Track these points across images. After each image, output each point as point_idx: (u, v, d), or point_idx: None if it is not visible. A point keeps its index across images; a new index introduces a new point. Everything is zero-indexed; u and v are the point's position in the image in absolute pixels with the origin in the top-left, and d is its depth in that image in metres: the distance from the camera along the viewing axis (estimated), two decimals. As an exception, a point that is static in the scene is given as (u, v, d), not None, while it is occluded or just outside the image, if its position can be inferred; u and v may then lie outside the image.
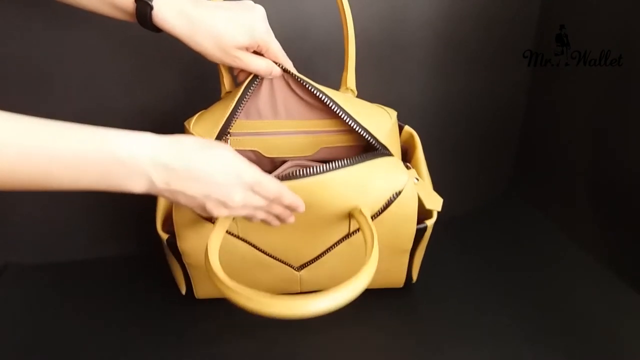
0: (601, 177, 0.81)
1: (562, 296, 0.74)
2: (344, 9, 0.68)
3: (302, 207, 0.58)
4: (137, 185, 0.49)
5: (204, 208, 0.53)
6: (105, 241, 0.85)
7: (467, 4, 0.87)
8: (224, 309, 0.66)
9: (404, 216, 0.64)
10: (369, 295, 0.70)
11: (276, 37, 0.66)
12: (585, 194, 0.84)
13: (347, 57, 0.70)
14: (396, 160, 0.65)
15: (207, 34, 0.59)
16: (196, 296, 0.72)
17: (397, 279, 0.73)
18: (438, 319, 0.70)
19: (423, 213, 0.65)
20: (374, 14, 0.84)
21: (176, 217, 0.63)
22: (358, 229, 0.64)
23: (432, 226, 0.67)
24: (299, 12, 0.83)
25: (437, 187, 0.73)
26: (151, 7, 0.58)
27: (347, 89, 0.70)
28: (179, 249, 0.64)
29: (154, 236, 0.81)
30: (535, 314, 0.70)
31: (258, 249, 0.65)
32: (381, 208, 0.63)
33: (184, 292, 0.72)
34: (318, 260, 0.67)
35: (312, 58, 0.84)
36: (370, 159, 0.62)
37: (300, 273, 0.67)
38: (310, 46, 0.84)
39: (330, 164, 0.59)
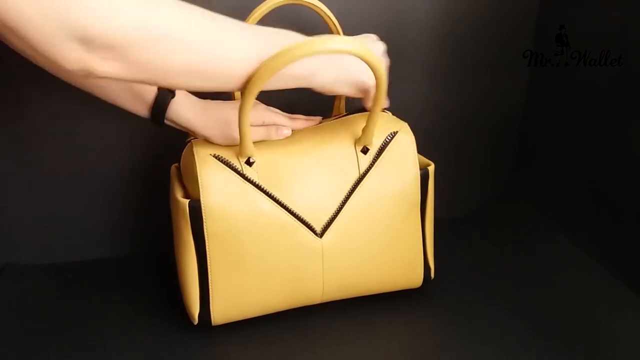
0: (601, 177, 0.81)
1: (561, 296, 0.74)
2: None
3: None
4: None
5: None
6: (105, 242, 0.85)
7: (467, 4, 0.87)
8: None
9: (404, 155, 0.69)
10: (378, 300, 0.72)
11: None
12: (584, 194, 0.84)
13: None
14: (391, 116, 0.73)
15: (216, 120, 0.68)
16: (213, 322, 0.67)
17: (415, 264, 0.72)
18: (439, 322, 0.71)
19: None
20: (373, 16, 0.84)
21: (200, 169, 0.63)
22: (368, 170, 0.68)
23: (433, 173, 0.71)
24: (295, 14, 0.82)
25: (437, 188, 0.73)
26: (173, 95, 0.67)
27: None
28: (203, 208, 0.63)
29: (156, 237, 0.82)
30: (534, 314, 0.70)
31: (279, 203, 0.65)
32: (381, 146, 0.69)
33: (196, 315, 0.67)
34: (337, 221, 0.67)
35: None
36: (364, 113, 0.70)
37: (322, 240, 0.66)
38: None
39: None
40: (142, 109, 0.69)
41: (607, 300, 0.73)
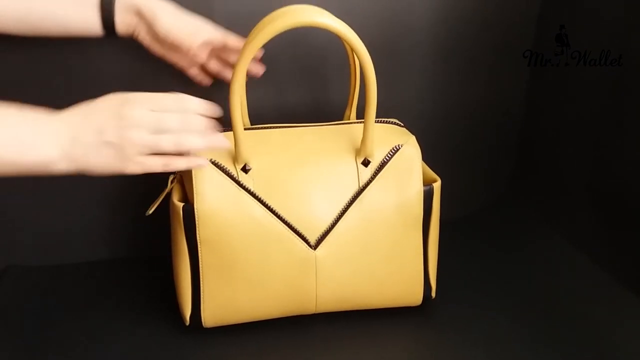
0: (601, 177, 0.81)
1: (562, 300, 0.74)
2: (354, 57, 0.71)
3: (213, 106, 0.60)
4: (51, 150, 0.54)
5: (119, 147, 0.55)
6: (105, 244, 0.85)
7: (466, 5, 0.87)
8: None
9: (408, 170, 0.67)
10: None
11: (277, 40, 0.69)
12: (584, 195, 0.84)
13: (352, 96, 0.74)
14: (400, 128, 0.71)
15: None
16: (204, 324, 0.67)
17: (415, 283, 0.71)
18: (438, 323, 0.71)
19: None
20: (373, 19, 0.84)
21: (196, 174, 0.63)
22: (368, 183, 0.66)
23: (439, 190, 0.69)
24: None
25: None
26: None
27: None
28: (196, 213, 0.63)
29: (155, 240, 0.82)
30: (534, 317, 0.70)
31: (274, 212, 0.64)
32: (383, 159, 0.67)
33: (188, 316, 0.67)
34: (332, 234, 0.66)
35: (312, 63, 0.84)
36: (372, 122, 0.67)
37: (316, 252, 0.65)
38: (309, 51, 0.84)
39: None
40: (92, 16, 0.67)
41: (607, 303, 0.73)
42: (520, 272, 0.80)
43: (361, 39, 0.65)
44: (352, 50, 0.63)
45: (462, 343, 0.67)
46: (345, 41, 0.61)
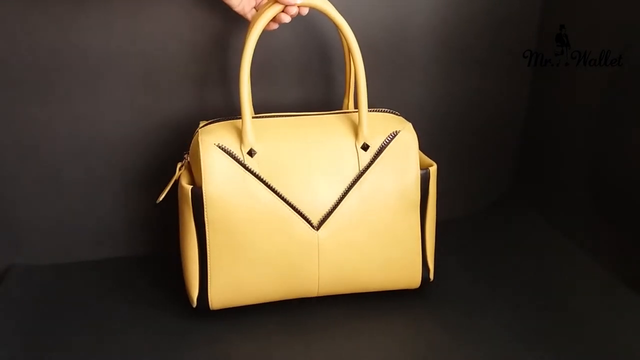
0: (601, 177, 0.81)
1: (561, 297, 0.74)
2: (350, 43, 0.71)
3: None
4: None
5: None
6: (108, 242, 0.85)
7: (468, 5, 0.87)
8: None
9: (405, 155, 0.70)
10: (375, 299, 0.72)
11: (277, 38, 0.68)
12: (585, 194, 0.84)
13: (348, 85, 0.78)
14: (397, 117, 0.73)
15: None
16: (211, 305, 0.69)
17: (413, 265, 0.72)
18: (438, 323, 0.71)
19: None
20: (377, 19, 0.84)
21: (204, 158, 0.66)
22: (367, 167, 0.69)
23: (435, 174, 0.72)
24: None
25: (437, 190, 0.73)
26: None
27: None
28: (204, 195, 0.65)
29: (159, 238, 0.82)
30: (535, 315, 0.70)
31: (278, 194, 0.67)
32: (382, 144, 0.70)
33: (195, 297, 0.68)
34: (334, 215, 0.68)
35: (314, 61, 0.84)
36: (371, 111, 0.72)
37: (319, 233, 0.68)
38: (312, 48, 0.84)
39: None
40: None
41: (608, 302, 0.73)
42: (521, 271, 0.80)
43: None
44: (335, 25, 0.67)
45: (462, 331, 0.68)
46: (326, 15, 0.66)
